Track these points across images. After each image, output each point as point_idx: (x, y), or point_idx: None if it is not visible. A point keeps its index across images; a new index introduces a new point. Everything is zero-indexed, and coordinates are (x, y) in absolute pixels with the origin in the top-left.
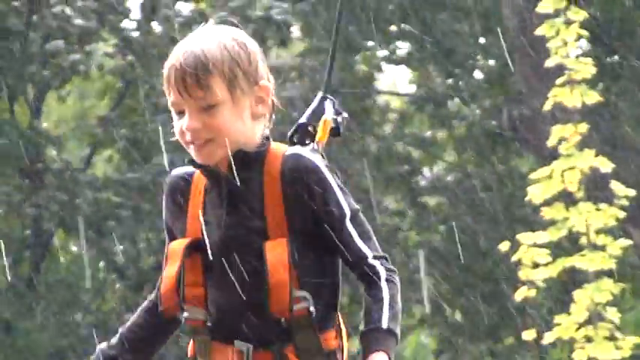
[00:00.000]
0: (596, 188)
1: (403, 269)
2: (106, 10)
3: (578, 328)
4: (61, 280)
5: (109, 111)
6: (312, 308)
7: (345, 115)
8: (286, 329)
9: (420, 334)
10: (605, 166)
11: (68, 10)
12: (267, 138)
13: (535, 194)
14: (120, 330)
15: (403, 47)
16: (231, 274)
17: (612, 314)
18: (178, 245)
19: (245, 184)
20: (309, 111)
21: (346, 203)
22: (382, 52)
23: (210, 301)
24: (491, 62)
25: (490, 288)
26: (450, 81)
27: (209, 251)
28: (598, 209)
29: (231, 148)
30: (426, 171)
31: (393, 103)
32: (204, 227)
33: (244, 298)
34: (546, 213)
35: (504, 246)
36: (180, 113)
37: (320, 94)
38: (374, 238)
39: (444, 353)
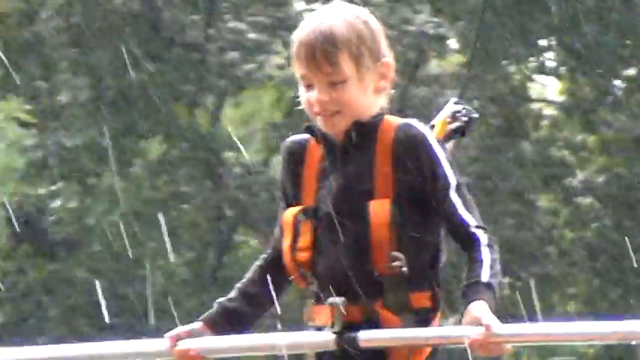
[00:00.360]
0: None
1: (559, 264)
2: (277, 24)
3: None
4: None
5: (283, 118)
6: (404, 269)
7: (475, 115)
8: (379, 285)
9: None
10: None
11: (243, 25)
12: (383, 109)
13: None
14: (237, 285)
15: (552, 58)
16: (337, 235)
17: None
18: (290, 214)
19: (359, 151)
20: (439, 114)
21: (452, 174)
22: (533, 64)
23: (317, 263)
24: (634, 71)
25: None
26: (597, 90)
27: (320, 215)
28: None
29: (354, 119)
30: (578, 173)
31: (545, 111)
32: (317, 193)
33: (347, 256)
34: None
35: None
36: (309, 86)
37: (453, 99)
38: (476, 210)
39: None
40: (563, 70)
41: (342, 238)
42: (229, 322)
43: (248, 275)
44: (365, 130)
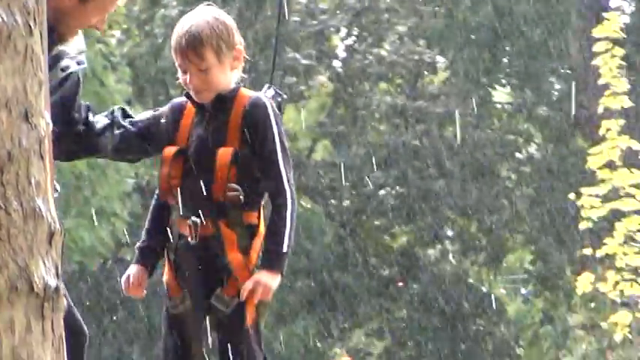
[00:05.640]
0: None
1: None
2: (321, 54)
3: (620, 246)
4: None
5: (324, 118)
6: (241, 197)
7: (285, 96)
8: (224, 208)
9: None
10: (636, 145)
11: (297, 55)
12: (239, 83)
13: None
14: (145, 228)
15: None
16: (197, 170)
17: None
18: (169, 151)
19: (219, 113)
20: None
21: (279, 137)
22: None
23: (183, 189)
24: None
25: None
26: None
27: (188, 155)
28: (632, 172)
29: (217, 93)
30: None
31: None
32: (189, 139)
33: (200, 185)
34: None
35: None
36: (184, 71)
37: (267, 85)
38: (292, 172)
39: None
40: None
41: (199, 173)
42: (151, 258)
43: (149, 217)
44: (224, 100)
